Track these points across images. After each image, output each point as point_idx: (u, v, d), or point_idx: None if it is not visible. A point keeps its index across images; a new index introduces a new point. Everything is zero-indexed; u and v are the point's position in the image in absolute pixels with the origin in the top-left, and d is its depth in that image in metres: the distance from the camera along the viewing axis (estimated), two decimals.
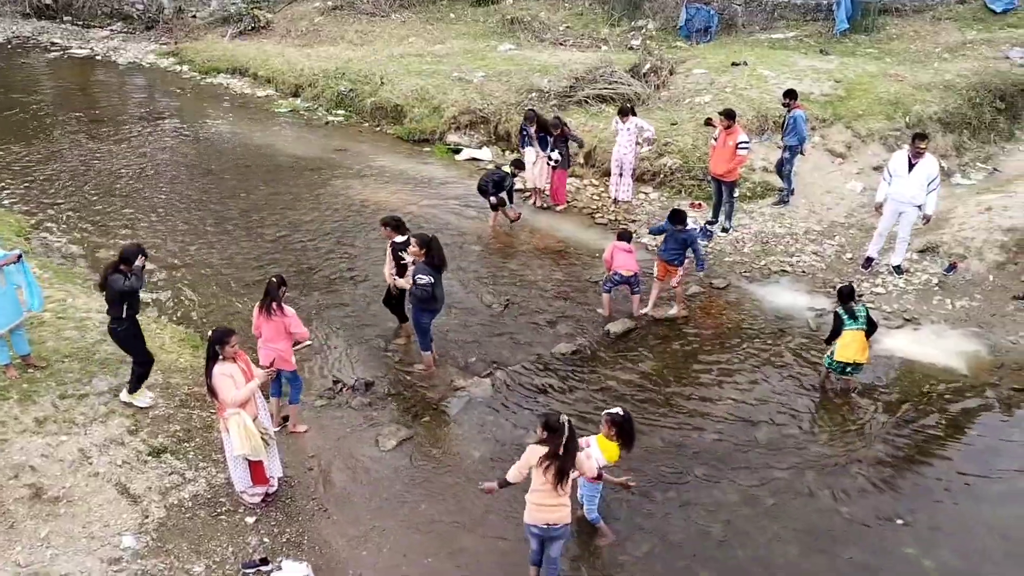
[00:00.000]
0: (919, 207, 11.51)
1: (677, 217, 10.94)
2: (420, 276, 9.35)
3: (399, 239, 9.91)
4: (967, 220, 12.84)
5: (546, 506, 6.57)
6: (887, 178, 11.70)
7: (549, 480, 6.44)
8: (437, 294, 9.51)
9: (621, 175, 14.44)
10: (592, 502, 7.50)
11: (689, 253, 11.07)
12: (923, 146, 11.36)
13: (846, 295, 9.37)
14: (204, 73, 24.24)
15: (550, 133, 14.23)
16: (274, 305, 8.28)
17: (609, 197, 14.75)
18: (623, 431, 7.13)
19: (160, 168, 16.84)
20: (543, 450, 6.47)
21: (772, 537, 7.63)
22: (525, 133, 14.72)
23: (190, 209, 14.81)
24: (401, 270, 9.97)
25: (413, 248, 9.47)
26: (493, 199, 13.53)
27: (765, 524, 7.77)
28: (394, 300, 10.63)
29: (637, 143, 14.16)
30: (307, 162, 17.01)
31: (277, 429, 8.51)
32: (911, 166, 11.36)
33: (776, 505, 7.99)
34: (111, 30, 29.31)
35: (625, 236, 11.29)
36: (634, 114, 14.22)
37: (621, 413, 7.19)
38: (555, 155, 14.06)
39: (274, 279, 8.40)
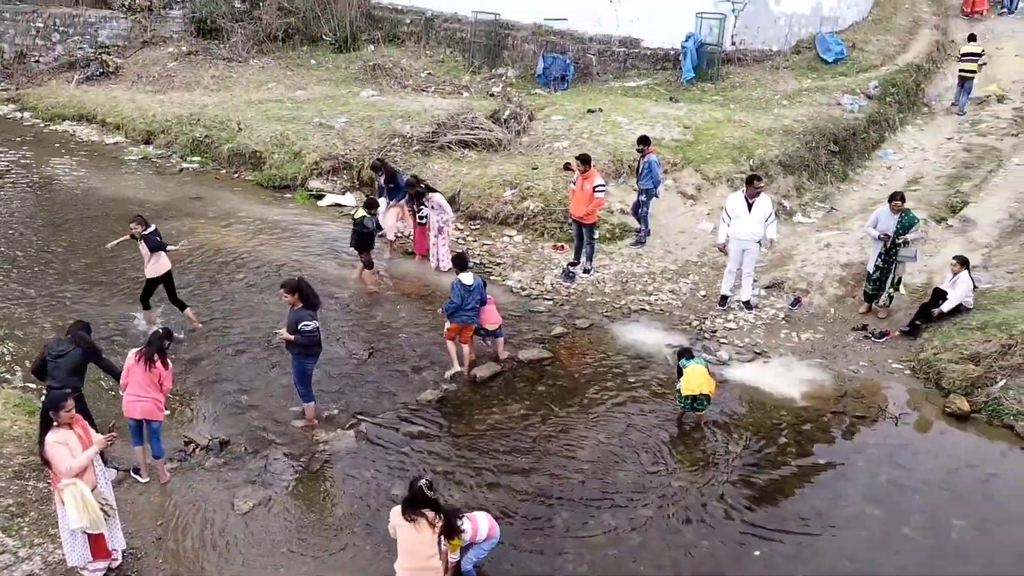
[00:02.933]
0: (759, 243, 12.14)
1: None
2: (305, 324, 9.21)
3: (147, 231, 11.27)
4: (809, 256, 13.63)
5: (417, 569, 6.64)
6: (726, 219, 12.29)
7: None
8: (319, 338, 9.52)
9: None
10: (481, 553, 7.41)
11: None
12: (759, 186, 12.04)
13: (685, 354, 10.05)
14: (48, 120, 22.97)
15: (398, 184, 14.27)
16: (155, 357, 8.40)
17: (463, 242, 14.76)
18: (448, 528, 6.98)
19: None
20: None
21: None
22: (379, 183, 14.68)
23: (31, 266, 13.88)
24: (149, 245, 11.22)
25: (287, 297, 9.42)
26: (365, 256, 13.27)
27: (630, 563, 7.86)
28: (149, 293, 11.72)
29: (443, 219, 13.75)
30: (161, 211, 16.27)
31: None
32: (749, 206, 11.99)
33: (641, 543, 8.09)
34: None
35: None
36: (434, 191, 13.93)
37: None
38: (422, 212, 13.88)
39: (160, 330, 8.88)
